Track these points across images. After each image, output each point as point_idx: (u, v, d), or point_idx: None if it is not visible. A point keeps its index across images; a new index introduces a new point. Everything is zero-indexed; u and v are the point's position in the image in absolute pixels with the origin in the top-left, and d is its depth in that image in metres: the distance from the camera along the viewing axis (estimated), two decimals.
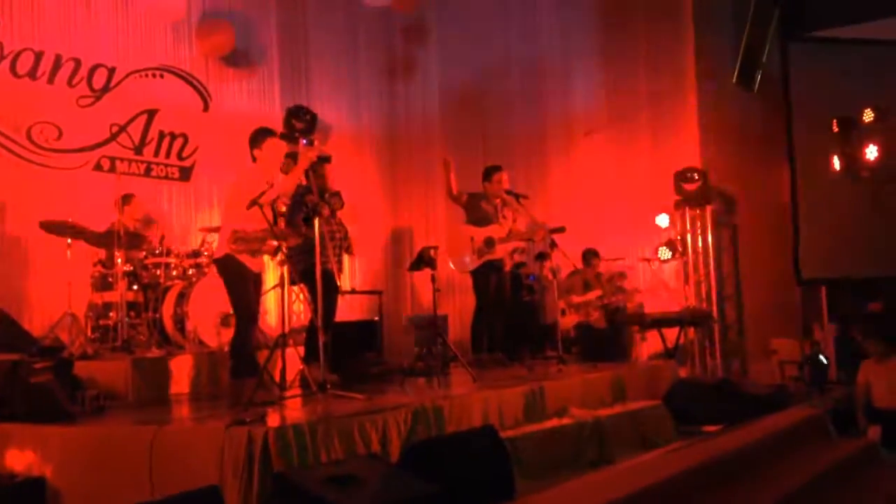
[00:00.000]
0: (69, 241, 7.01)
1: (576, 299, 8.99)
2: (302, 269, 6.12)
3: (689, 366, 9.62)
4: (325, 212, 6.28)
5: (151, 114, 8.88)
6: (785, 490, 4.26)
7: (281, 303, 6.21)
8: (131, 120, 8.76)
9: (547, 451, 5.40)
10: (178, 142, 9.10)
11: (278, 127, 9.03)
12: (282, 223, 6.06)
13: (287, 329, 5.74)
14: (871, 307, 9.72)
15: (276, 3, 10.28)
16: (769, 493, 4.19)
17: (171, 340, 6.99)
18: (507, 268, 7.89)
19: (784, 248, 10.02)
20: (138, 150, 8.78)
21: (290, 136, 9.17)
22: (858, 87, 10.04)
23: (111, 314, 6.94)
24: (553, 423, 5.78)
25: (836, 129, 10.08)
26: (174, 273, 7.27)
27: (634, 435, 6.29)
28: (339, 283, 6.52)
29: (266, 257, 5.88)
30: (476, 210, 7.73)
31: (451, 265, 7.83)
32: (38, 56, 8.10)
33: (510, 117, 11.10)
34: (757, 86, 10.26)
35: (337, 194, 6.66)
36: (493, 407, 5.47)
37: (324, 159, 6.40)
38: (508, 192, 7.77)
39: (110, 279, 7.07)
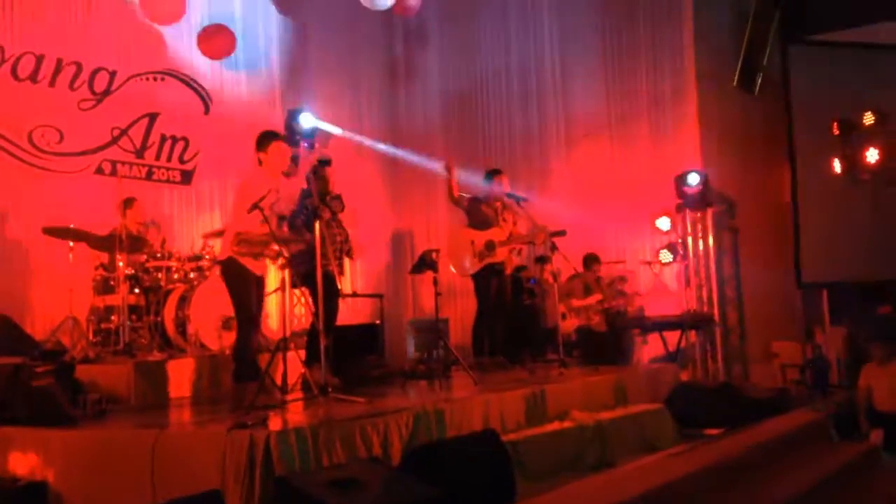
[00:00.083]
0: (71, 244, 7.02)
1: (576, 303, 8.99)
2: (303, 272, 6.12)
3: (691, 369, 9.60)
4: (326, 215, 6.28)
5: (153, 117, 8.90)
6: (787, 494, 4.26)
7: (282, 306, 6.21)
8: (133, 123, 8.77)
9: (548, 455, 5.41)
10: (180, 145, 9.11)
11: (279, 130, 9.03)
12: (285, 227, 6.06)
13: (288, 332, 5.74)
14: (881, 311, 9.69)
15: (277, 7, 10.30)
16: (771, 496, 4.18)
17: (172, 344, 6.99)
18: (509, 270, 7.89)
19: (785, 251, 10.00)
20: (139, 153, 8.80)
21: (291, 139, 9.18)
22: (859, 90, 10.03)
23: (113, 318, 6.94)
24: (554, 426, 5.79)
25: (836, 131, 10.07)
26: (175, 276, 7.27)
27: (636, 438, 6.29)
28: (340, 287, 6.53)
29: (268, 260, 5.88)
30: (477, 213, 7.74)
31: (452, 268, 7.83)
32: (40, 59, 8.11)
33: (510, 120, 11.11)
34: (758, 89, 10.25)
35: (338, 197, 6.67)
36: (494, 410, 5.47)
37: (324, 162, 6.42)
38: (509, 195, 7.77)
39: (112, 283, 7.08)
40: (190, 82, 9.31)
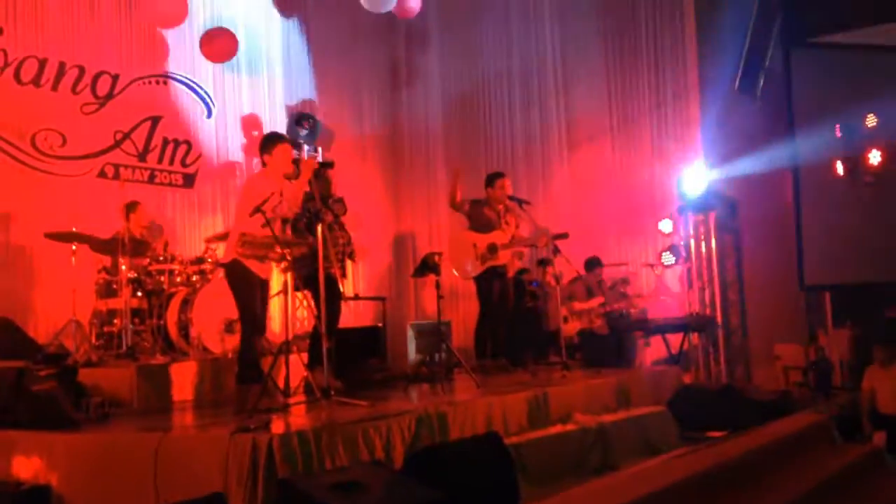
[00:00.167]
0: (74, 247, 7.03)
1: (578, 306, 8.98)
2: (305, 274, 6.12)
3: (694, 371, 9.59)
4: (329, 218, 6.29)
5: (155, 121, 8.91)
6: (790, 496, 4.26)
7: (284, 309, 6.21)
8: (135, 127, 8.78)
9: (551, 458, 5.40)
10: (182, 148, 9.12)
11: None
12: (289, 230, 6.06)
13: (291, 335, 5.75)
14: (889, 314, 9.67)
15: (279, 10, 10.32)
16: (774, 499, 4.19)
17: (175, 347, 6.99)
18: (511, 273, 7.89)
19: (787, 254, 10.01)
20: (142, 157, 8.81)
21: (293, 143, 9.19)
22: (861, 93, 10.04)
23: (115, 321, 6.94)
24: (557, 429, 5.78)
25: (838, 134, 10.08)
26: (178, 280, 7.28)
27: (639, 441, 6.28)
28: (342, 290, 6.53)
29: (272, 264, 5.89)
30: (479, 216, 7.73)
31: (455, 271, 7.83)
32: (42, 63, 8.13)
33: (512, 122, 11.11)
34: (760, 92, 10.26)
35: (340, 200, 6.67)
36: (496, 413, 5.46)
37: (327, 165, 6.43)
38: (511, 198, 7.77)
39: (115, 286, 7.08)
40: (192, 86, 9.32)
